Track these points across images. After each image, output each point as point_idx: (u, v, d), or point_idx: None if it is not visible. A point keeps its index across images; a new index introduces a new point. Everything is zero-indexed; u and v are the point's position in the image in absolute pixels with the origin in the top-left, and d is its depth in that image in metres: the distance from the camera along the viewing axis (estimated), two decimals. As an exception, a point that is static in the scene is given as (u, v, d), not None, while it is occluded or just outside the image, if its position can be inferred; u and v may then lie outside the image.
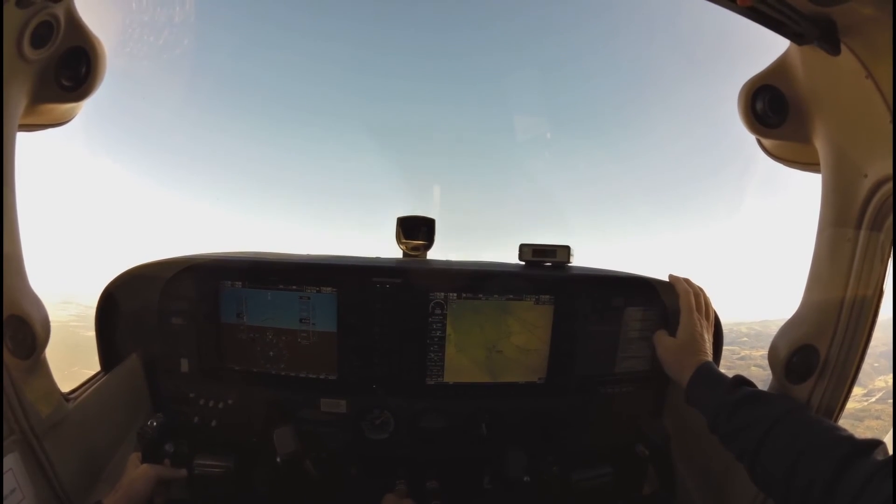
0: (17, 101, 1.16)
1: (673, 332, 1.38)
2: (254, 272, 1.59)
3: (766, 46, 1.23)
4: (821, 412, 1.18)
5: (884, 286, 1.12)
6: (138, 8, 1.59)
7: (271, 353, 1.61)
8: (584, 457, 1.64)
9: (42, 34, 1.14)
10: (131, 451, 1.45)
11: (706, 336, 1.35)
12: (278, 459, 1.48)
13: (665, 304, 1.63)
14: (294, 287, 1.58)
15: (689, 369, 1.26)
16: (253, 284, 1.59)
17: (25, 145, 1.21)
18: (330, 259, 1.71)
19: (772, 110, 1.27)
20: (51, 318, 1.27)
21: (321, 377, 1.62)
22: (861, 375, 1.18)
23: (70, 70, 1.25)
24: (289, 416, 1.60)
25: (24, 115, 1.21)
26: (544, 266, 1.72)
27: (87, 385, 1.51)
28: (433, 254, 1.87)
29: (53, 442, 1.27)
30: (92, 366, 1.59)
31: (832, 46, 1.02)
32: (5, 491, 1.12)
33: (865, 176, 1.06)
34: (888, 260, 1.10)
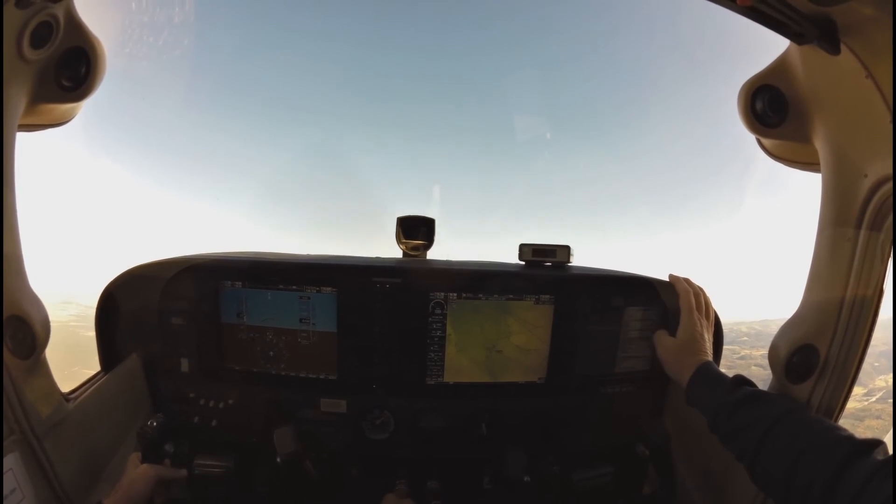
0: (17, 102, 1.16)
1: (673, 332, 1.38)
2: (254, 272, 1.59)
3: (765, 46, 1.23)
4: (821, 412, 1.18)
5: (884, 286, 1.12)
6: (138, 8, 1.59)
7: (271, 353, 1.61)
8: (585, 457, 1.64)
9: (42, 34, 1.14)
10: (131, 451, 1.45)
11: (706, 336, 1.35)
12: (278, 459, 1.48)
13: (665, 303, 1.63)
14: (294, 287, 1.58)
15: (689, 369, 1.26)
16: (253, 284, 1.59)
17: (25, 145, 1.21)
18: (330, 259, 1.71)
19: (772, 110, 1.27)
20: (51, 318, 1.27)
21: (321, 377, 1.62)
22: (861, 375, 1.18)
23: (70, 70, 1.25)
24: (289, 416, 1.60)
25: (24, 115, 1.21)
26: (544, 266, 1.72)
27: (87, 385, 1.51)
28: (433, 254, 1.87)
29: (53, 442, 1.27)
30: (92, 366, 1.59)
31: (832, 46, 1.02)
32: (5, 491, 1.12)
33: (865, 176, 1.06)
34: (888, 260, 1.10)
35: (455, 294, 1.60)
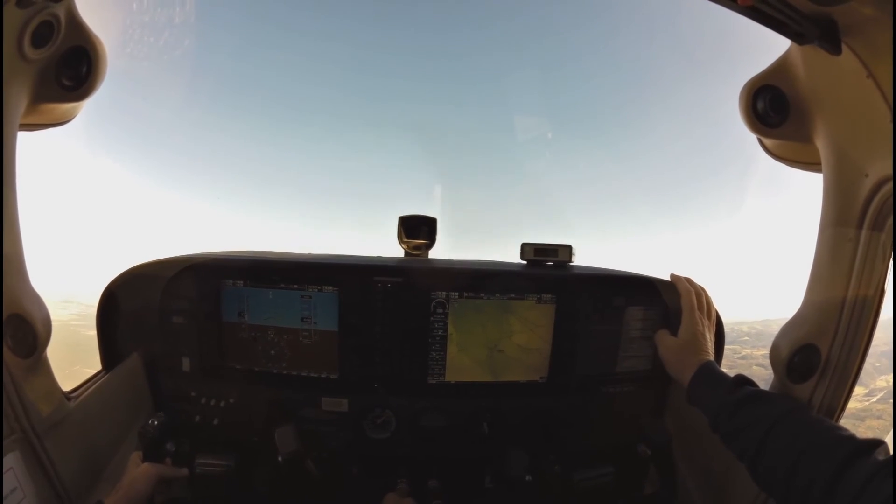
0: (18, 101, 1.16)
1: (674, 332, 1.38)
2: (255, 271, 1.59)
3: (766, 46, 1.23)
4: (822, 412, 1.19)
5: (885, 286, 1.12)
6: (139, 8, 1.59)
7: (272, 352, 1.61)
8: (586, 456, 1.64)
9: (43, 34, 1.14)
10: (132, 451, 1.45)
11: (708, 335, 1.35)
12: (279, 458, 1.48)
13: (666, 303, 1.63)
14: (295, 286, 1.58)
15: (690, 369, 1.26)
16: (254, 283, 1.59)
17: (26, 145, 1.21)
18: (331, 258, 1.71)
19: (773, 110, 1.27)
20: (52, 316, 1.27)
21: (322, 376, 1.62)
22: (862, 375, 1.18)
23: (71, 70, 1.25)
24: (290, 415, 1.60)
25: (25, 114, 1.21)
26: (546, 265, 1.72)
27: (88, 384, 1.51)
28: (435, 253, 1.86)
29: (54, 441, 1.27)
30: (93, 365, 1.59)
31: (833, 46, 1.02)
32: (6, 490, 1.12)
33: (866, 175, 1.06)
34: (889, 260, 1.10)
35: (457, 293, 1.60)
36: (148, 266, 1.58)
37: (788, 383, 1.22)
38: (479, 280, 1.60)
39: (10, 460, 1.15)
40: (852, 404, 1.20)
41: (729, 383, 1.16)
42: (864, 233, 1.09)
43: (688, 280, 1.44)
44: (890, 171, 0.99)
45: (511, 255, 1.76)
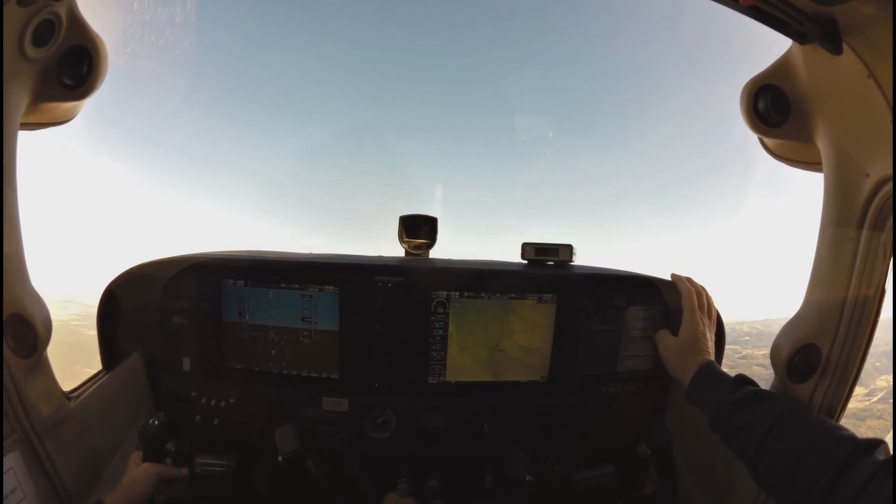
0: (19, 100, 1.16)
1: (675, 332, 1.38)
2: (256, 271, 1.59)
3: (767, 46, 1.24)
4: (822, 411, 1.19)
5: (885, 286, 1.12)
6: (140, 8, 1.59)
7: (273, 352, 1.61)
8: (586, 456, 1.64)
9: (44, 33, 1.14)
10: (133, 450, 1.45)
11: (708, 335, 1.36)
12: (280, 458, 1.48)
13: (667, 303, 1.63)
14: (296, 286, 1.58)
15: (691, 368, 1.26)
16: (255, 283, 1.59)
17: (27, 144, 1.21)
18: (332, 258, 1.71)
19: (774, 109, 1.27)
20: (52, 316, 1.27)
21: (323, 376, 1.62)
22: (863, 375, 1.18)
23: (72, 69, 1.25)
24: (290, 414, 1.60)
25: (26, 113, 1.21)
26: (547, 265, 1.72)
27: (88, 384, 1.51)
28: (435, 252, 1.86)
29: (54, 441, 1.27)
30: (93, 364, 1.59)
31: (834, 46, 1.02)
32: (6, 490, 1.12)
33: (867, 175, 1.06)
34: (890, 260, 1.10)
35: (457, 293, 1.60)
36: (148, 266, 1.58)
37: (789, 383, 1.22)
38: (480, 280, 1.60)
39: (10, 460, 1.15)
40: (853, 404, 1.20)
41: (729, 383, 1.16)
42: (864, 233, 1.09)
43: (688, 280, 1.44)
44: (890, 170, 0.99)
45: (512, 254, 1.76)
